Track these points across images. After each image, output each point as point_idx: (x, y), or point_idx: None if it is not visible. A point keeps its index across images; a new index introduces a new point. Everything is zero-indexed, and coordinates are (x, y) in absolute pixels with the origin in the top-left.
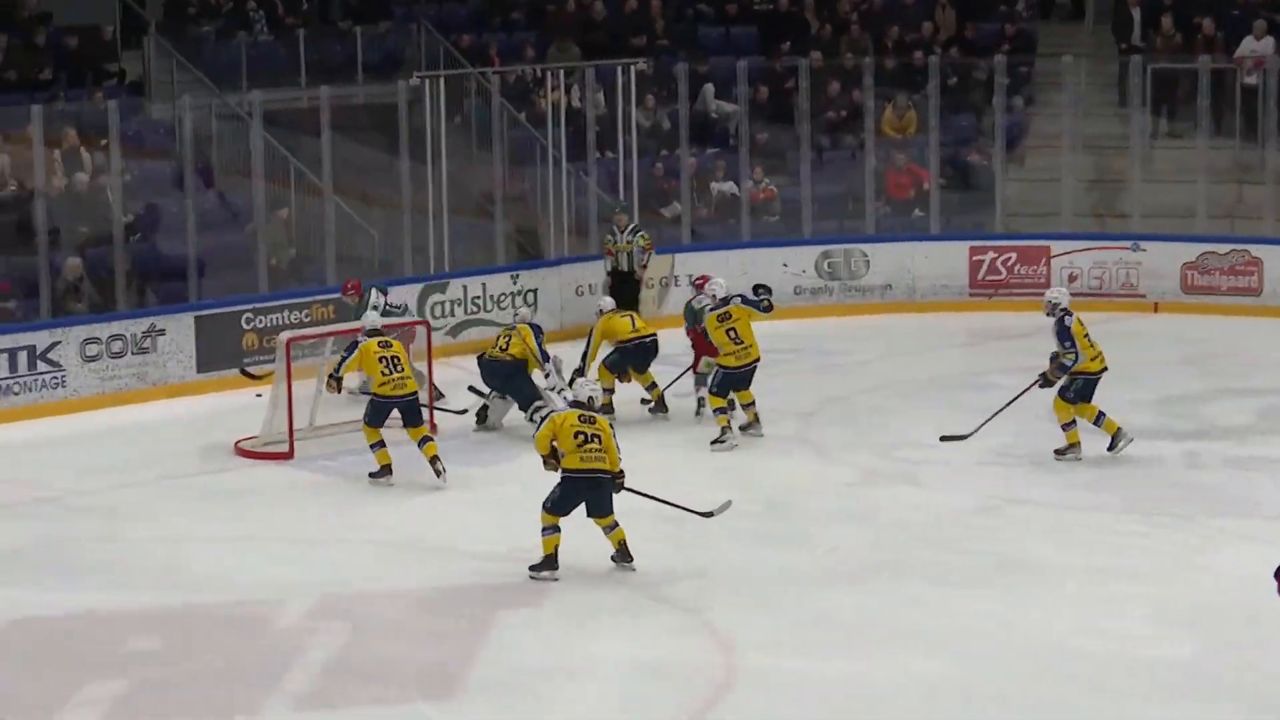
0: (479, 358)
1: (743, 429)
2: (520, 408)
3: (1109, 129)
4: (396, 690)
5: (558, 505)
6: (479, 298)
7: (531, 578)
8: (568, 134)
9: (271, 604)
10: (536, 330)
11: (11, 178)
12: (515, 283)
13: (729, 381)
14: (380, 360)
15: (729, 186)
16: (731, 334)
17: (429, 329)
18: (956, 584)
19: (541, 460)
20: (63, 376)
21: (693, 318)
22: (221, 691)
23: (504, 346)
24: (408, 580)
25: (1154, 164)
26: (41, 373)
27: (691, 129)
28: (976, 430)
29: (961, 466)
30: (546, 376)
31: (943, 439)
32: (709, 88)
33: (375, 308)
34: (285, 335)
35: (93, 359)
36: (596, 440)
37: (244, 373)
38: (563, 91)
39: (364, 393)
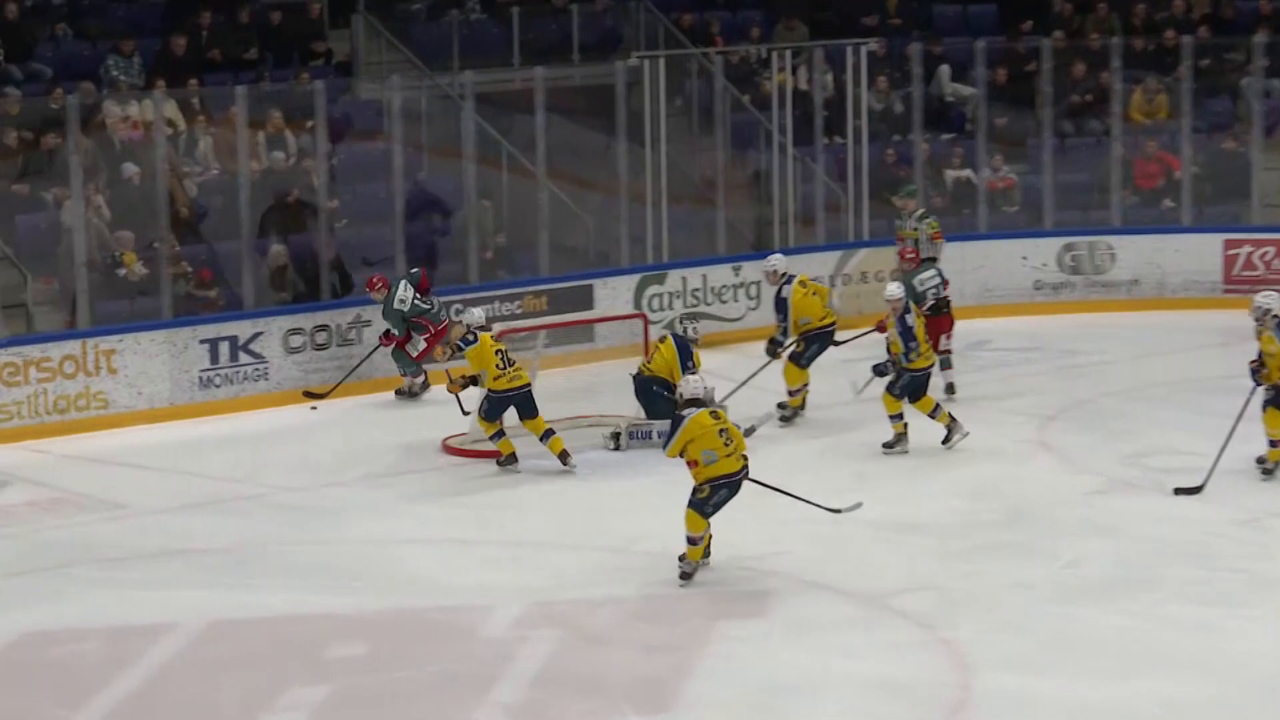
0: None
1: (945, 442)
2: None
3: None
4: (609, 704)
5: (717, 510)
6: (699, 290)
7: (682, 586)
8: (794, 118)
9: (481, 610)
10: (680, 344)
11: (214, 161)
12: (737, 274)
13: (913, 385)
14: (496, 354)
15: (965, 174)
16: (927, 333)
17: (646, 323)
18: (1212, 602)
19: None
20: (266, 369)
21: (917, 297)
22: (427, 701)
23: (648, 361)
24: (624, 587)
25: None
26: (244, 364)
27: (926, 113)
28: (1209, 477)
29: (1214, 475)
30: None
31: (1177, 492)
32: (945, 69)
33: (404, 300)
34: (496, 328)
35: (296, 350)
36: (729, 435)
37: (307, 394)
38: (789, 73)
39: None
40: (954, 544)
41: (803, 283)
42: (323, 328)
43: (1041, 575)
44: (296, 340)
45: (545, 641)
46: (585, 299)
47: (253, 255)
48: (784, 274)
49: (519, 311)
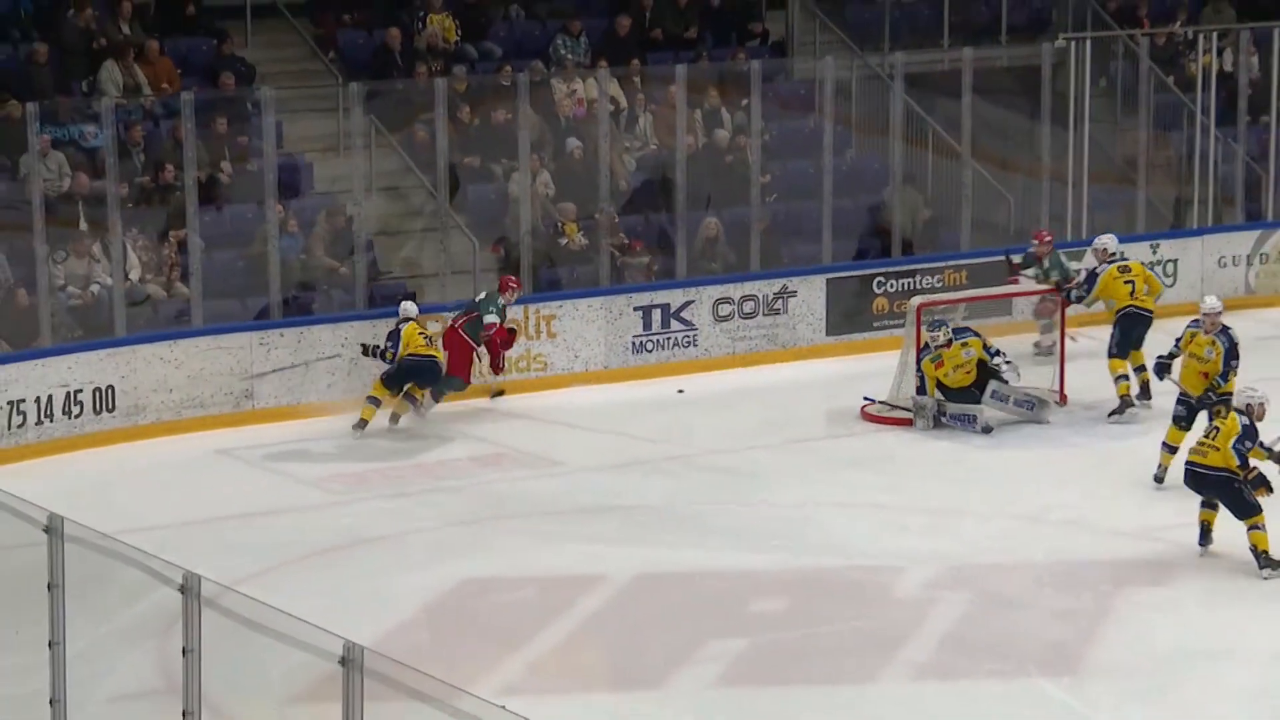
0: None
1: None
2: None
3: None
4: (1016, 665)
5: None
6: None
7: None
8: (1218, 99)
9: (894, 572)
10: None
11: (653, 137)
12: (1155, 253)
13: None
14: (419, 335)
15: None
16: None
17: (1061, 298)
18: None
19: None
20: (695, 335)
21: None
22: (840, 657)
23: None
24: (1033, 553)
25: None
26: (674, 331)
27: None
28: None
29: None
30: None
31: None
32: None
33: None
34: (916, 300)
35: (724, 319)
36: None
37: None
38: (1214, 55)
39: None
40: None
41: (1123, 268)
42: (750, 297)
43: None
44: (725, 309)
45: (955, 604)
46: (1005, 274)
47: (687, 226)
48: (1113, 253)
49: (939, 285)
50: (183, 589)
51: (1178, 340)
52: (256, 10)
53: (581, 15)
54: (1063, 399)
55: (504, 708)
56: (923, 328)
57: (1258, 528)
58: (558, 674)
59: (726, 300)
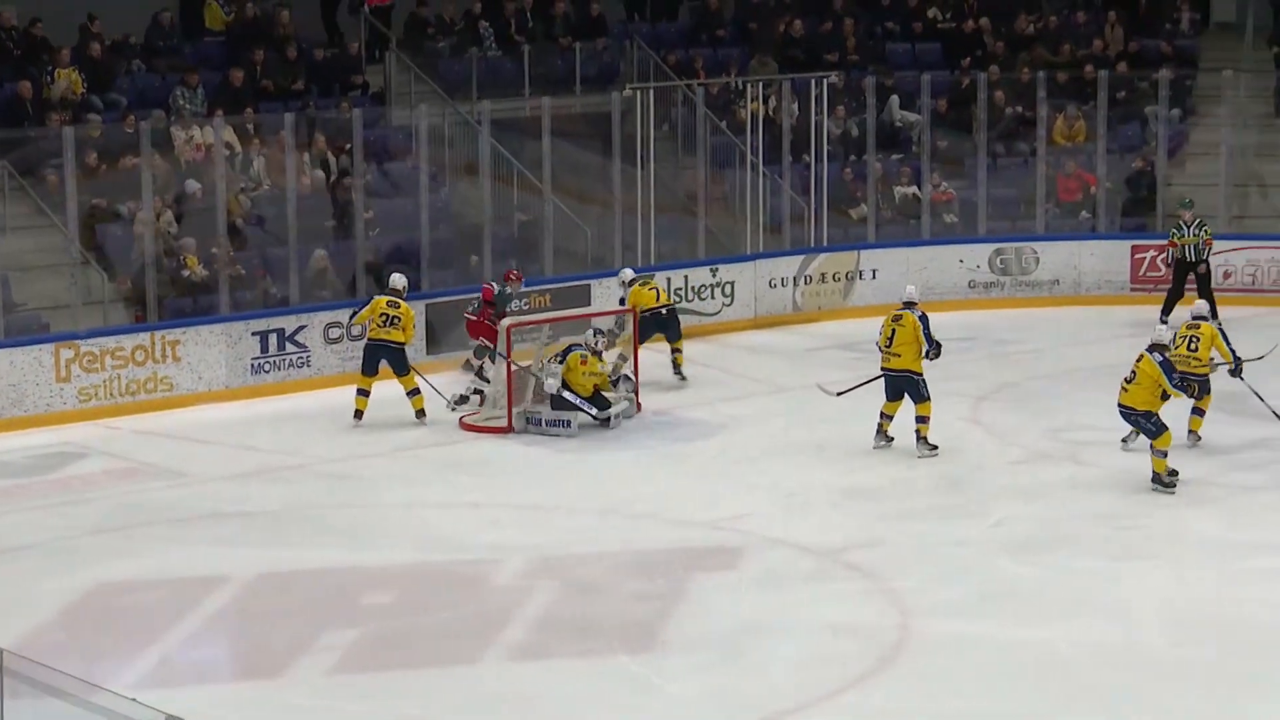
0: None
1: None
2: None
3: (1267, 138)
4: (603, 644)
5: None
6: (680, 289)
7: None
8: (765, 141)
9: (491, 564)
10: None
11: (266, 178)
12: (714, 275)
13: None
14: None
15: (911, 190)
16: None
17: (635, 317)
18: (1117, 556)
19: None
20: (308, 356)
21: None
22: (446, 641)
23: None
24: (614, 544)
25: None
26: (289, 353)
27: (878, 137)
28: None
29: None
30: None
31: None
32: (895, 99)
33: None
34: (506, 322)
35: (335, 341)
36: None
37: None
38: (761, 102)
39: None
40: (897, 506)
41: (644, 281)
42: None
43: (972, 534)
44: (335, 332)
45: (547, 591)
46: (584, 297)
47: (299, 259)
48: (633, 279)
49: (527, 307)
50: None
51: None
52: None
53: (198, 68)
54: (638, 407)
55: (136, 700)
56: (589, 335)
57: (923, 419)
58: (187, 667)
59: (336, 324)
